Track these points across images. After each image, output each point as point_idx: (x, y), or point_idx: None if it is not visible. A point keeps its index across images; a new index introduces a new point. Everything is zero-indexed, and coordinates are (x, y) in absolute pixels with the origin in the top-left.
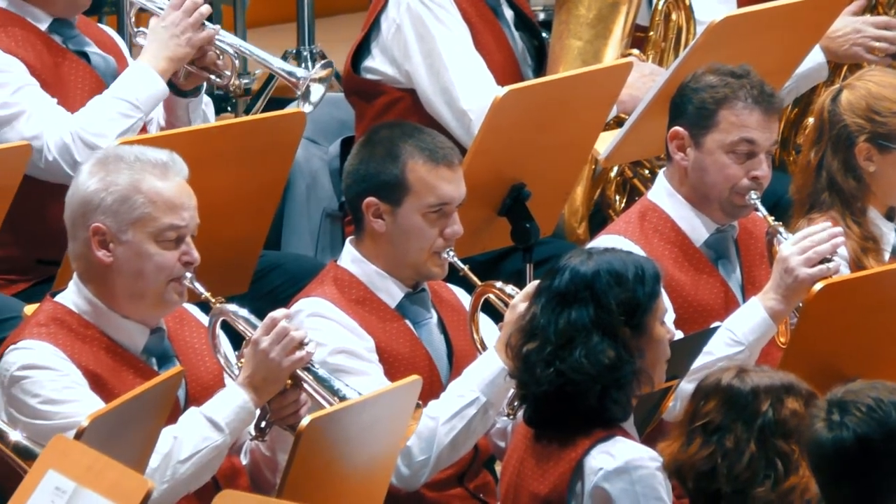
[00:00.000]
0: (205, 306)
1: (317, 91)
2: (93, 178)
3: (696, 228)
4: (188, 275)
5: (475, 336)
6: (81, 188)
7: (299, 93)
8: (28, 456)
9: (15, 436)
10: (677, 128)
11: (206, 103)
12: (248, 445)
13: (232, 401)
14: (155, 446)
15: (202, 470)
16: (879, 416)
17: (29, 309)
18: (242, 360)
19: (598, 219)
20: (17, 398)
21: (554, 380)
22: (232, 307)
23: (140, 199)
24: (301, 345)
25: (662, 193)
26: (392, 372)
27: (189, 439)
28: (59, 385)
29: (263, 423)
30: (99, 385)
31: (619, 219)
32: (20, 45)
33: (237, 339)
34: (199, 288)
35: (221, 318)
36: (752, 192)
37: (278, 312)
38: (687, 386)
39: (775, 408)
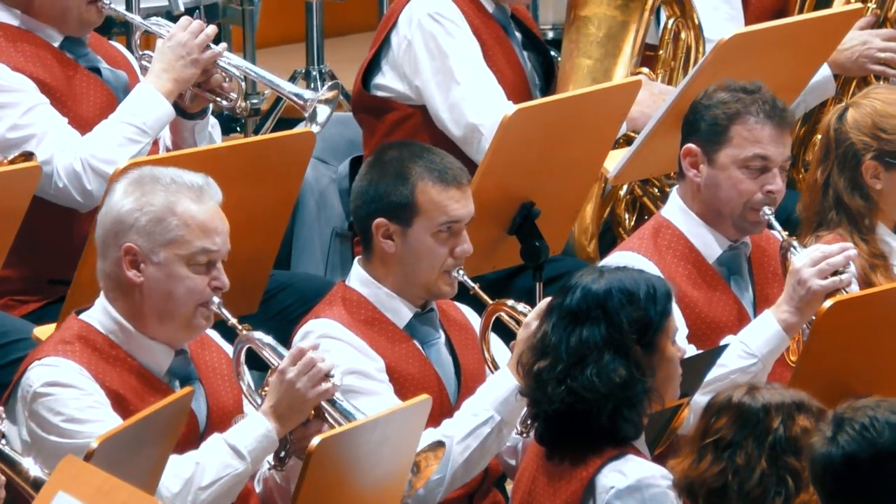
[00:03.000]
0: (225, 329)
1: (323, 112)
2: (128, 198)
3: (710, 245)
4: (216, 300)
5: (486, 355)
6: (115, 207)
7: (306, 114)
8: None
9: (28, 464)
10: (690, 145)
11: (213, 125)
12: (262, 474)
13: (255, 429)
14: (165, 467)
15: (222, 497)
16: (870, 436)
17: (39, 330)
18: (266, 388)
19: (608, 237)
20: (39, 414)
21: (565, 398)
22: (258, 335)
23: (174, 222)
24: (327, 377)
25: (675, 210)
26: (402, 392)
27: (211, 466)
28: (82, 404)
29: (283, 453)
30: (122, 406)
31: (632, 236)
32: (30, 61)
33: (253, 363)
34: (226, 314)
35: (247, 346)
36: (766, 207)
37: (306, 343)
38: (702, 399)
39: (786, 425)
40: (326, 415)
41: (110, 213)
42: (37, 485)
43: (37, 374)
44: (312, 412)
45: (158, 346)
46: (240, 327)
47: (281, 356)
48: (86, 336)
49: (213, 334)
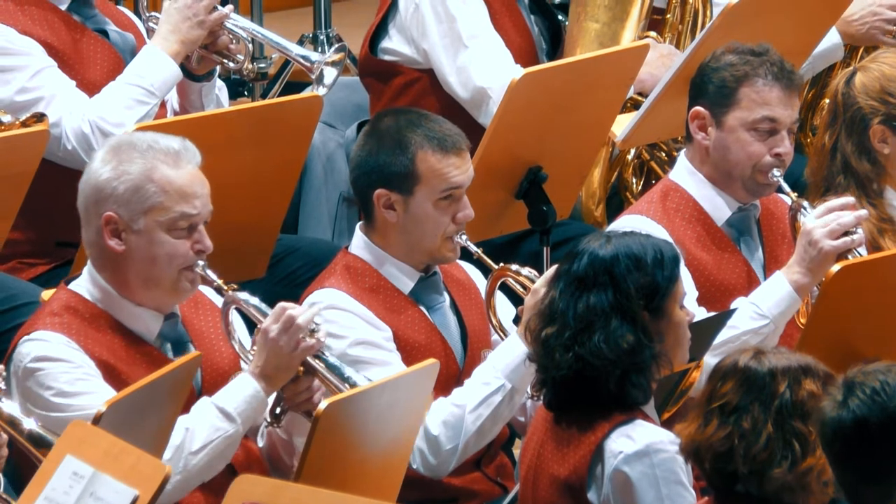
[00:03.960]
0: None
1: (330, 74)
2: (106, 167)
3: (719, 207)
4: (200, 263)
5: (493, 320)
6: (94, 175)
7: (313, 76)
8: (42, 444)
9: (29, 424)
10: (698, 108)
11: (220, 88)
12: (265, 429)
13: (243, 390)
14: (172, 431)
15: (215, 460)
16: (881, 400)
17: (46, 294)
18: (255, 348)
19: (615, 201)
20: (31, 390)
21: (573, 364)
22: (243, 295)
23: (152, 189)
24: (311, 333)
25: (684, 173)
26: (409, 360)
27: (201, 430)
28: (72, 377)
29: (278, 410)
30: (112, 375)
31: (641, 199)
32: (37, 24)
33: (252, 323)
34: (212, 276)
35: (234, 307)
36: (775, 169)
37: (288, 303)
38: (713, 361)
39: (793, 389)
40: (315, 370)
41: (89, 181)
42: (33, 439)
43: (26, 349)
44: (301, 368)
45: (147, 312)
46: (225, 288)
47: (266, 315)
48: (74, 306)
49: (209, 292)
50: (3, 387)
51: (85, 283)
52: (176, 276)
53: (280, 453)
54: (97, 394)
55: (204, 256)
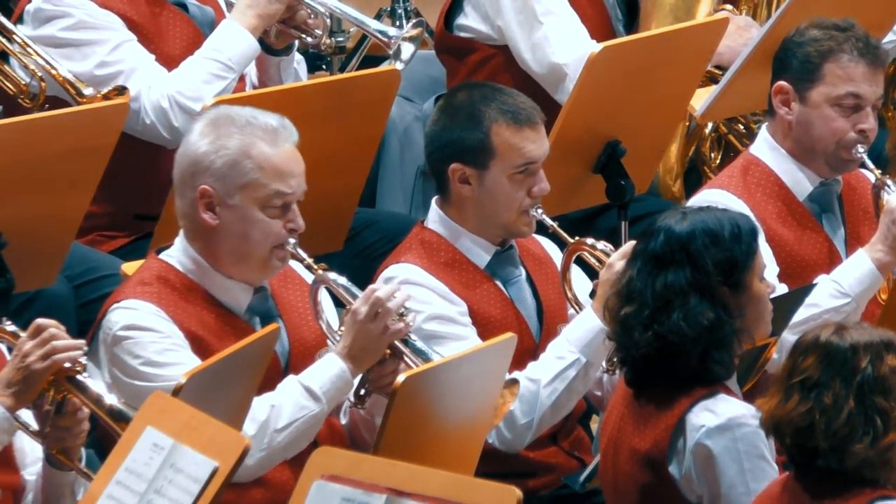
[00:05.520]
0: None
1: (408, 50)
2: (204, 140)
3: (800, 182)
4: (292, 241)
5: (568, 294)
6: (192, 148)
7: (391, 51)
8: (121, 419)
9: (111, 399)
10: (781, 82)
11: (299, 62)
12: (348, 406)
13: (330, 370)
14: (251, 404)
15: (298, 438)
16: None
17: (127, 266)
18: (343, 328)
19: (693, 176)
20: (119, 358)
21: (653, 342)
22: (333, 275)
23: (249, 165)
24: (400, 317)
25: (765, 148)
26: (484, 334)
27: (286, 408)
28: (160, 347)
29: (363, 391)
30: (200, 347)
31: (721, 173)
32: None
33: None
34: (303, 254)
35: (323, 286)
36: (859, 145)
37: (377, 284)
38: (791, 338)
39: (875, 364)
40: (401, 354)
41: (187, 153)
42: (113, 414)
43: (116, 317)
44: (388, 351)
45: (237, 285)
46: (315, 267)
47: (355, 296)
48: (165, 276)
49: (298, 267)
50: (85, 361)
51: (177, 254)
52: (267, 253)
53: (361, 431)
54: (185, 365)
55: (296, 235)
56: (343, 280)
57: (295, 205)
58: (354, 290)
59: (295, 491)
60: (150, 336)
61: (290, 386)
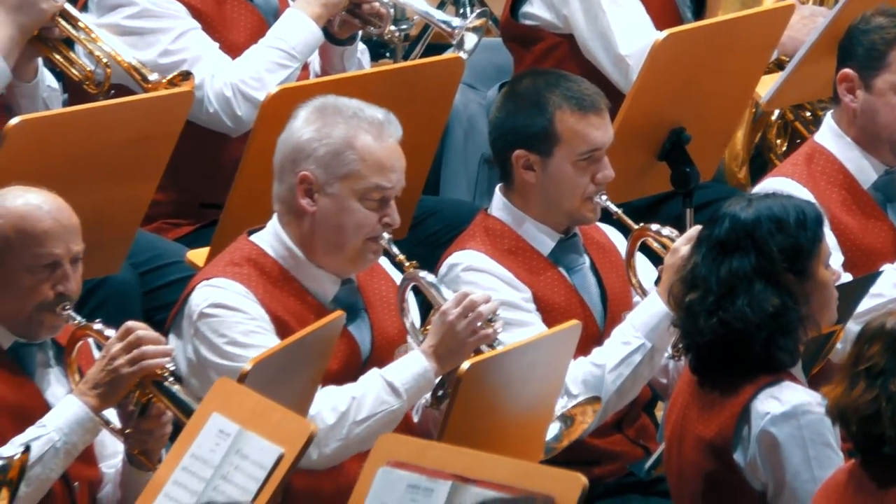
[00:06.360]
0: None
1: (471, 40)
2: (309, 127)
3: (865, 170)
4: (386, 235)
5: (633, 280)
6: (295, 134)
7: (454, 41)
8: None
9: (196, 406)
10: (846, 70)
11: (362, 51)
12: (422, 405)
13: (413, 367)
14: (315, 392)
15: (376, 432)
16: None
17: (192, 254)
18: (429, 327)
19: (759, 163)
20: (203, 335)
21: (718, 329)
22: (424, 273)
23: (352, 156)
24: (489, 322)
25: (829, 136)
26: (548, 321)
27: (367, 401)
28: (245, 328)
29: (441, 392)
30: (285, 332)
31: (785, 161)
32: None
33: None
34: (395, 250)
35: (412, 284)
36: None
37: (472, 289)
38: (855, 327)
39: None
40: None
41: (290, 138)
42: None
43: (204, 295)
44: (472, 355)
45: (326, 275)
46: (407, 264)
47: (443, 296)
48: (255, 259)
49: (385, 263)
50: (172, 367)
51: (268, 238)
52: (360, 245)
53: (432, 430)
54: (268, 348)
55: (390, 230)
56: (434, 279)
57: (393, 200)
58: (444, 290)
59: (360, 477)
60: (236, 316)
61: (372, 380)
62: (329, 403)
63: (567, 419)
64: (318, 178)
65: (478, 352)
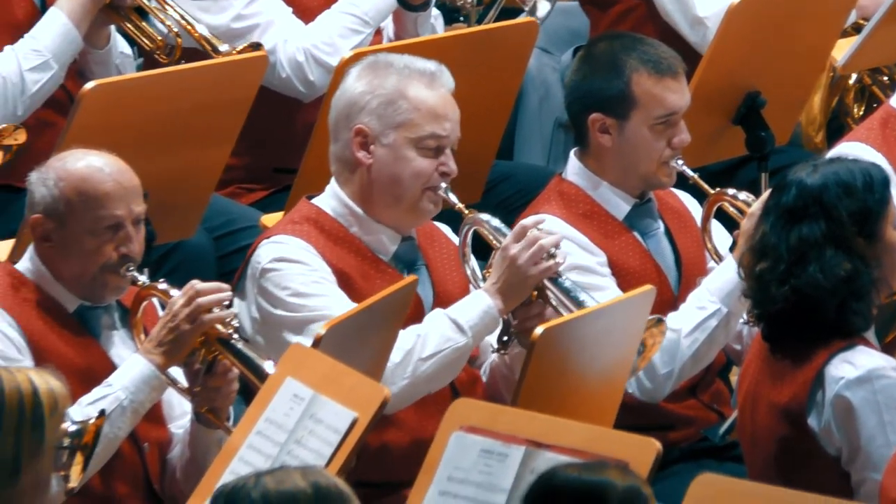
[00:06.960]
0: (453, 222)
1: (544, 7)
2: (360, 81)
3: None
4: (444, 185)
5: (708, 245)
6: (349, 91)
7: (527, 8)
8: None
9: (261, 362)
10: None
11: (436, 17)
12: (489, 364)
13: (477, 305)
14: (389, 355)
15: (442, 370)
16: None
17: (266, 218)
18: (490, 271)
19: (835, 126)
20: (266, 289)
21: (790, 297)
22: (484, 216)
23: (405, 105)
24: (550, 255)
25: None
26: (623, 286)
27: (432, 338)
28: (308, 279)
29: (506, 337)
30: (347, 284)
31: (860, 126)
32: None
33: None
34: (453, 198)
35: (473, 228)
36: None
37: (529, 220)
38: None
39: None
40: (549, 293)
41: (343, 96)
42: (263, 377)
43: (265, 251)
44: (535, 292)
45: (386, 230)
46: (466, 211)
47: (505, 237)
48: (315, 218)
49: (444, 228)
50: (237, 324)
51: (327, 199)
52: (419, 194)
53: (500, 389)
54: (332, 297)
55: (448, 179)
56: (495, 221)
57: (449, 150)
58: (505, 229)
59: (434, 442)
60: (298, 268)
61: (436, 318)
62: (395, 343)
63: (639, 345)
64: (372, 129)
65: (541, 292)
